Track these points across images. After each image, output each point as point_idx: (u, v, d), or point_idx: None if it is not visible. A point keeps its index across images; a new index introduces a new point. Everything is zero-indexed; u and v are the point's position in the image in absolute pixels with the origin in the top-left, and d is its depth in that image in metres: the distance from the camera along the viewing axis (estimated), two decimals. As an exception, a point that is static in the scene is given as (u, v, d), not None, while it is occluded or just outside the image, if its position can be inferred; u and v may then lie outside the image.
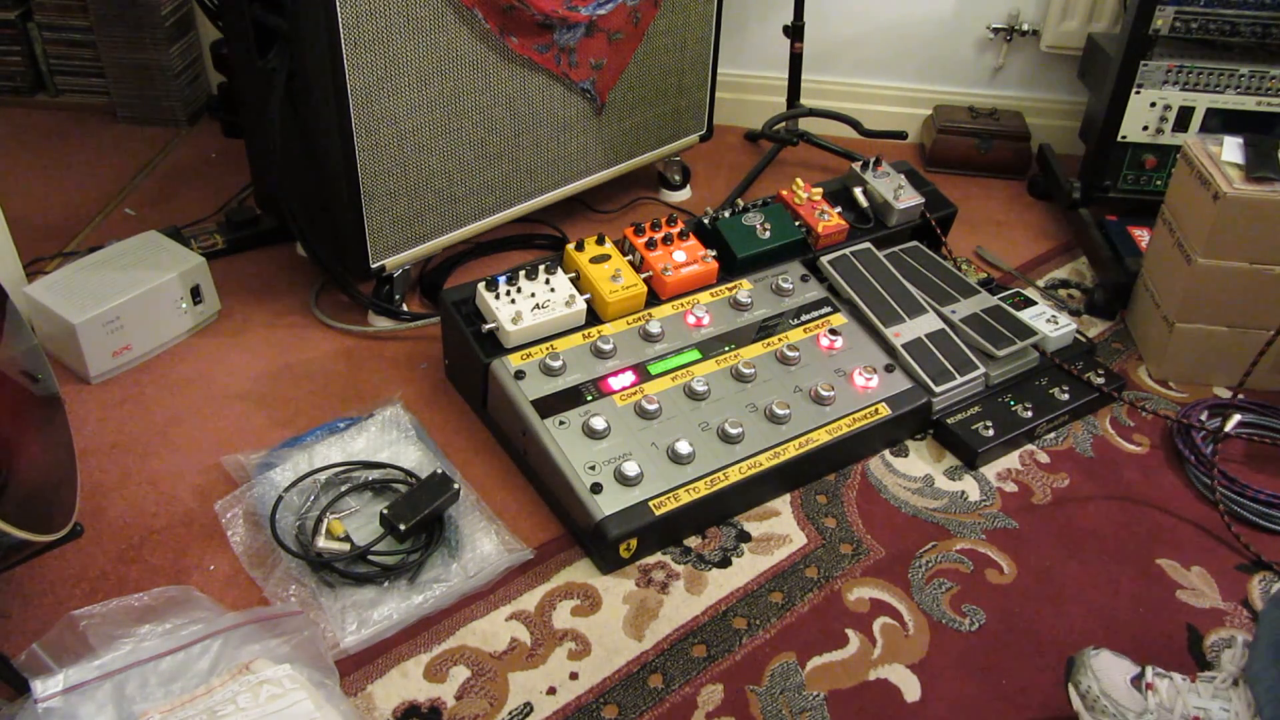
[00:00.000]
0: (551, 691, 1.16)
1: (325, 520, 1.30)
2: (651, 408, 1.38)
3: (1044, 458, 1.52)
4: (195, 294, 1.66)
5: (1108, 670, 1.09)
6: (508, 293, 1.45)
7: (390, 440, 1.45)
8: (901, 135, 2.33)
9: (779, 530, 1.38)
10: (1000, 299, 1.66)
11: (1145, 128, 1.92)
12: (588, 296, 1.49)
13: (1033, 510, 1.43)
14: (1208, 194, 1.55)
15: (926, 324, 1.58)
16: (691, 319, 1.52)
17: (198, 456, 1.45)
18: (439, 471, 1.34)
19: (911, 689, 1.18)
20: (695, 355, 1.48)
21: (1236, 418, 1.56)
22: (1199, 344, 1.64)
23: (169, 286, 1.61)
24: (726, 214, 1.65)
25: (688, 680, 1.18)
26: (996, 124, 2.26)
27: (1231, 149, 1.59)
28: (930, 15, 2.31)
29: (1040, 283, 1.93)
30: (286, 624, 1.15)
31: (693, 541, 1.35)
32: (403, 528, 1.27)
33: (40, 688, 1.04)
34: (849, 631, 1.24)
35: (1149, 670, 1.08)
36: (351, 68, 1.44)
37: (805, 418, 1.43)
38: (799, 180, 1.73)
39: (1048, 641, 1.24)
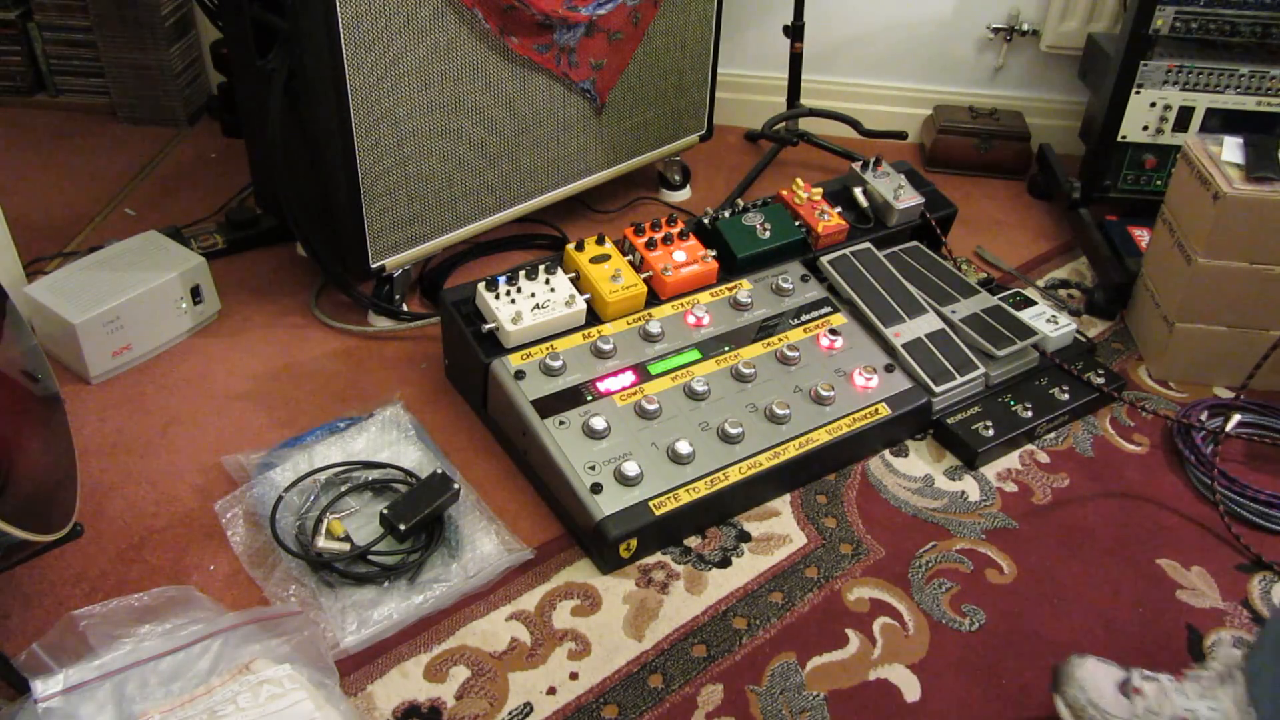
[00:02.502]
0: (551, 691, 1.16)
1: (325, 520, 1.30)
2: (651, 408, 1.38)
3: (1044, 458, 1.52)
4: (195, 294, 1.66)
5: (1093, 678, 1.09)
6: (508, 293, 1.45)
7: (390, 440, 1.45)
8: (901, 135, 2.33)
9: (779, 530, 1.38)
10: (1000, 299, 1.66)
11: (1145, 128, 1.92)
12: (588, 296, 1.49)
13: (1033, 510, 1.43)
14: (1208, 194, 1.55)
15: (926, 324, 1.58)
16: (691, 319, 1.52)
17: (198, 456, 1.45)
18: (439, 471, 1.34)
19: (911, 689, 1.18)
20: (695, 355, 1.48)
21: (1237, 418, 1.56)
22: (1199, 344, 1.64)
23: (169, 286, 1.61)
24: (726, 214, 1.65)
25: (688, 680, 1.18)
26: (996, 124, 2.26)
27: (1231, 149, 1.59)
28: (930, 15, 2.31)
29: (1040, 283, 1.93)
30: (286, 624, 1.15)
31: (693, 541, 1.35)
32: (403, 528, 1.27)
33: (40, 688, 1.04)
34: (849, 631, 1.24)
35: (1135, 674, 1.08)
36: (351, 68, 1.44)
37: (805, 418, 1.43)
38: (799, 180, 1.73)
39: (1048, 642, 1.24)
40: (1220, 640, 1.14)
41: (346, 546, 1.28)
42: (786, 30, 2.20)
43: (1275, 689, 0.99)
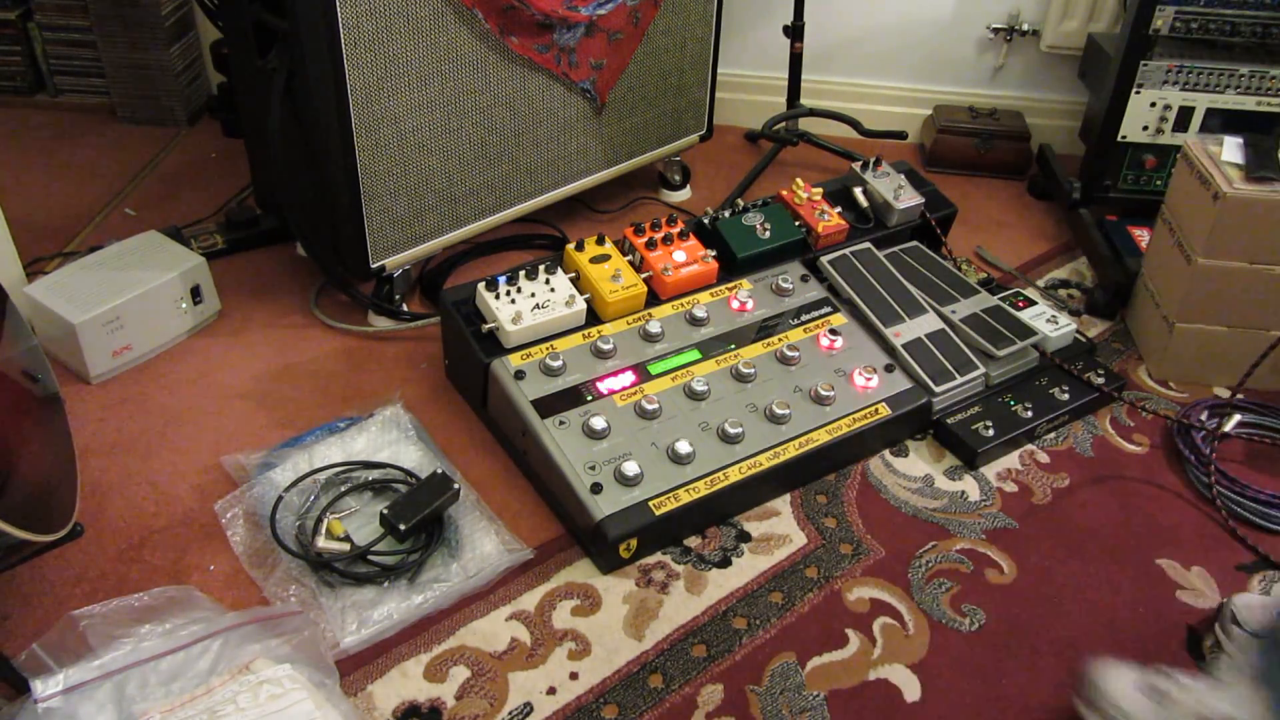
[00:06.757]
0: (551, 691, 1.16)
1: (325, 520, 1.30)
2: (651, 408, 1.38)
3: (1044, 458, 1.52)
4: (195, 294, 1.66)
5: (1116, 683, 1.09)
6: (508, 293, 1.45)
7: (390, 440, 1.45)
8: (901, 135, 2.33)
9: (779, 530, 1.38)
10: (1000, 299, 1.66)
11: (1145, 128, 1.92)
12: (588, 296, 1.49)
13: (1033, 510, 1.43)
14: (1208, 194, 1.55)
15: (926, 324, 1.58)
16: (691, 319, 1.52)
17: (198, 456, 1.44)
18: (439, 471, 1.34)
19: (911, 689, 1.18)
20: (695, 355, 1.48)
21: (1236, 418, 1.56)
22: (1199, 344, 1.64)
23: (169, 286, 1.61)
24: (726, 214, 1.65)
25: (688, 680, 1.18)
26: (996, 124, 2.26)
27: (1231, 149, 1.59)
28: (930, 15, 2.31)
29: (1040, 283, 1.93)
30: (286, 624, 1.15)
31: (693, 541, 1.35)
32: (403, 528, 1.27)
33: (40, 688, 1.04)
34: (849, 631, 1.24)
35: (1155, 674, 1.08)
36: (351, 68, 1.44)
37: (805, 418, 1.43)
38: (799, 180, 1.73)
39: (1048, 641, 1.24)
40: (1224, 626, 1.13)
41: (346, 546, 1.28)
42: (786, 30, 2.20)
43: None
